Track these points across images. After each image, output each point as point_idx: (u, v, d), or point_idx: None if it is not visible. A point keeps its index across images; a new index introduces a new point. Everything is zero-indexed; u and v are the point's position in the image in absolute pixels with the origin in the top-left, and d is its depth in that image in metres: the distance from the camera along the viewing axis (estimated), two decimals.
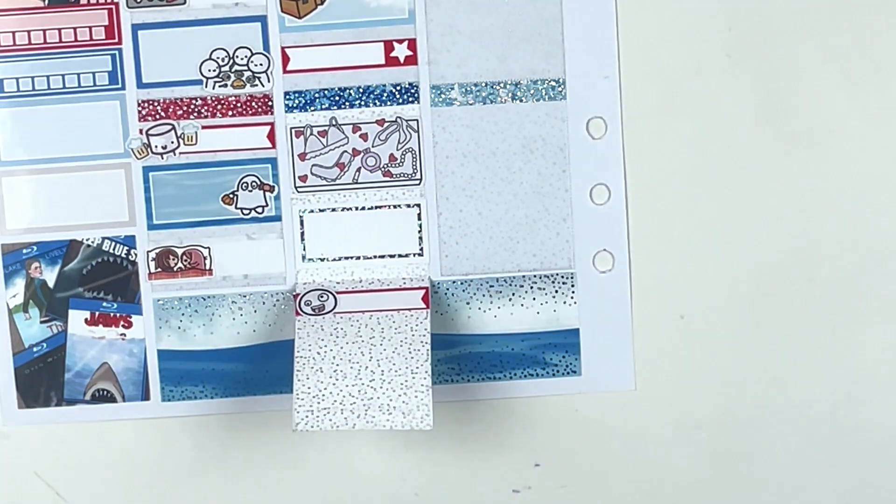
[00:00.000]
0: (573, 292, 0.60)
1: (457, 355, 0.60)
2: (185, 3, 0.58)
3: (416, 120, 0.59)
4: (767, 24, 0.59)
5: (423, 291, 0.59)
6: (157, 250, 0.59)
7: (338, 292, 0.59)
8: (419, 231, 0.59)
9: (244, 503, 0.62)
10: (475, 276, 0.59)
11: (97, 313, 0.60)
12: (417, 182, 0.59)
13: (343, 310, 0.59)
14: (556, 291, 0.60)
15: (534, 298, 0.59)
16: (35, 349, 0.60)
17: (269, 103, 0.59)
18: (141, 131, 0.59)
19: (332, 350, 0.58)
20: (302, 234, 0.59)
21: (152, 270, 0.59)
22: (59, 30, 0.59)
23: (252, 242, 0.59)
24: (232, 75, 0.59)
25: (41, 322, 0.60)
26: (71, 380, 0.60)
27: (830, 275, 0.59)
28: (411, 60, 0.59)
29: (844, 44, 0.59)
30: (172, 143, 0.59)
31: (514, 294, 0.59)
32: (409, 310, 0.59)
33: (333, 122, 0.59)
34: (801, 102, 0.59)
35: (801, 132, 0.59)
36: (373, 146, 0.59)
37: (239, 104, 0.59)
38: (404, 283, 0.59)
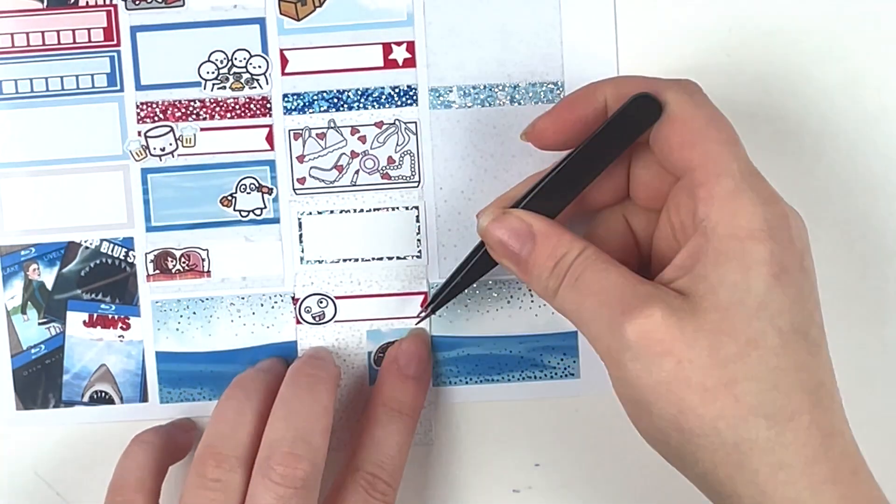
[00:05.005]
0: None
1: (455, 357, 0.60)
2: (183, 5, 0.58)
3: (415, 122, 0.59)
4: (767, 24, 0.59)
5: (421, 297, 0.59)
6: (156, 252, 0.59)
7: (336, 297, 0.59)
8: (417, 233, 0.59)
9: None
10: None
11: (95, 315, 0.60)
12: (416, 184, 0.59)
13: (343, 318, 0.59)
14: None
15: (532, 301, 0.59)
16: (33, 351, 0.60)
17: (268, 105, 0.59)
18: (139, 133, 0.59)
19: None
20: (300, 236, 0.59)
21: (151, 272, 0.59)
22: (58, 32, 0.59)
23: (250, 244, 0.59)
24: (230, 77, 0.59)
25: (39, 324, 0.60)
26: (69, 381, 0.60)
27: (830, 275, 0.59)
28: (410, 63, 0.59)
29: (844, 44, 0.59)
30: (171, 144, 0.59)
31: (512, 296, 0.59)
32: (409, 318, 0.59)
33: (332, 125, 0.59)
34: (801, 102, 0.59)
35: (801, 132, 0.59)
36: (371, 148, 0.59)
37: (237, 106, 0.59)
38: (403, 287, 0.59)
